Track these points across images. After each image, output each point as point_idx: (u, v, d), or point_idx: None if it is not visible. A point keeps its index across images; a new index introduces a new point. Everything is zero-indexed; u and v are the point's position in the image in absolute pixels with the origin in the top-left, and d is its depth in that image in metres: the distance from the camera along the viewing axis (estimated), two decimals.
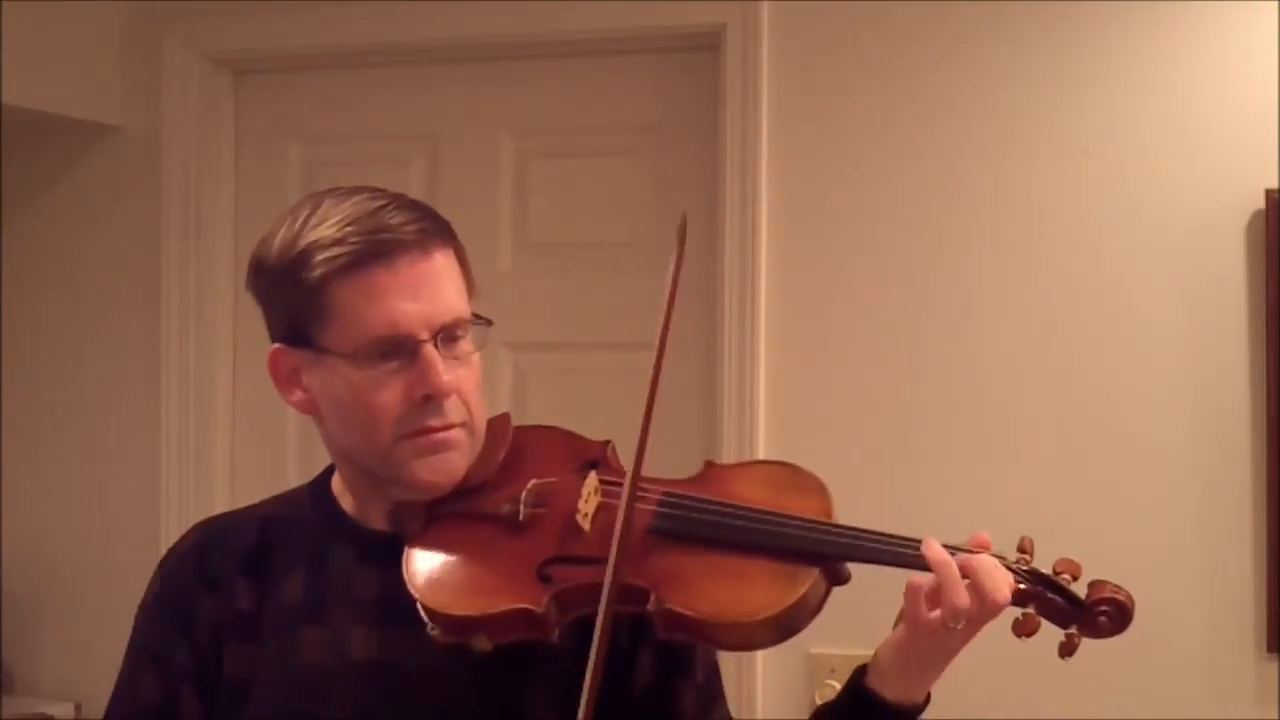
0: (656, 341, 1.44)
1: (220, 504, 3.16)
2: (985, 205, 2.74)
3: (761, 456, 2.79)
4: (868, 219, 2.79)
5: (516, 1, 2.95)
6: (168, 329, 3.16)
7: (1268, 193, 2.59)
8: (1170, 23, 2.65)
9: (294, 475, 3.16)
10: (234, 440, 3.22)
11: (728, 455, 2.80)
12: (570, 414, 3.09)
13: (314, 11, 3.08)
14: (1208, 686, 2.61)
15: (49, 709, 3.11)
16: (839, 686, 2.74)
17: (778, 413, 2.81)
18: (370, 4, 3.03)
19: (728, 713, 1.57)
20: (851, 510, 2.91)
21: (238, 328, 3.22)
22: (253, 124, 3.25)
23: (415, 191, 3.11)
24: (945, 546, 1.38)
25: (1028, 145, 2.72)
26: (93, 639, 3.16)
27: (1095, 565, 2.71)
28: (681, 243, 1.44)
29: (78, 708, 3.15)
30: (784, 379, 2.82)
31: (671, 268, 1.43)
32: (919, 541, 1.38)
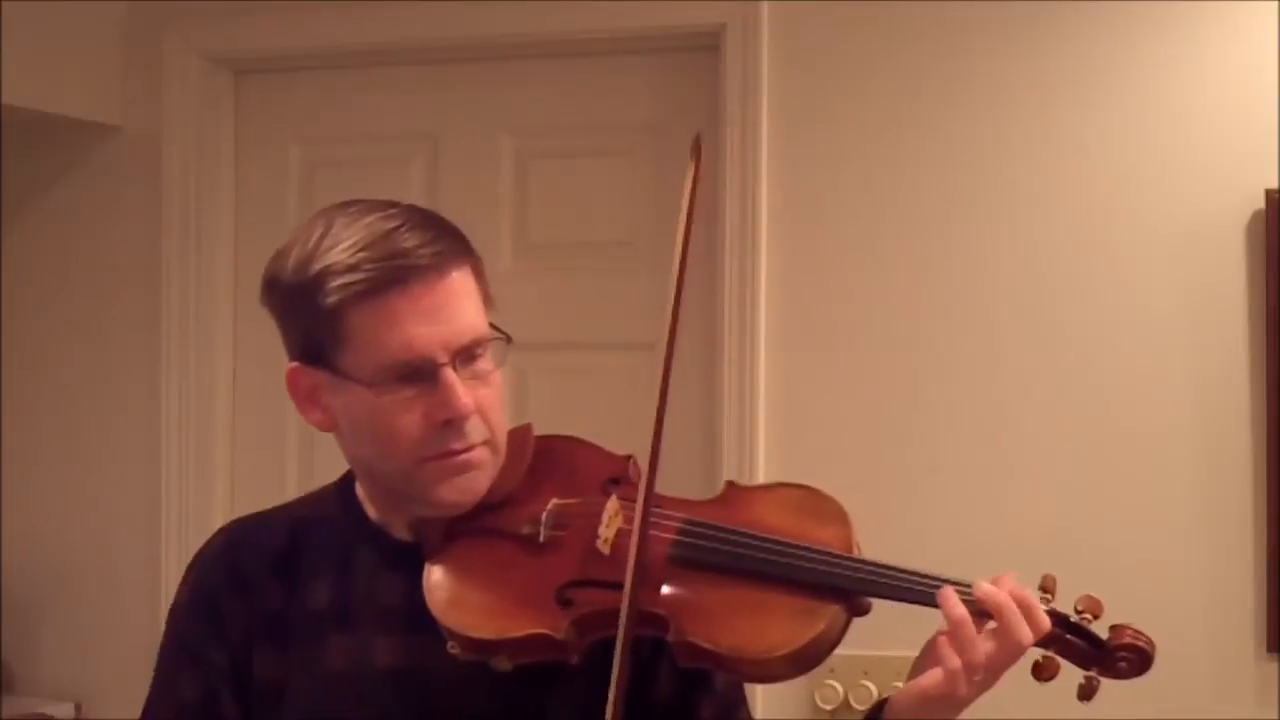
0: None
1: (220, 504, 3.16)
2: (985, 205, 2.74)
3: (762, 457, 2.80)
4: (868, 218, 2.79)
5: (516, 1, 2.95)
6: (168, 329, 3.16)
7: (1268, 193, 2.59)
8: (1170, 23, 2.66)
9: (294, 475, 3.16)
10: (234, 440, 3.22)
11: (728, 455, 2.80)
12: (570, 414, 3.09)
13: (314, 11, 3.08)
14: (1208, 686, 2.61)
15: (49, 709, 3.11)
16: (839, 686, 2.75)
17: (778, 413, 2.81)
18: (370, 4, 3.03)
19: (750, 717, 1.57)
20: (852, 509, 2.91)
21: (238, 328, 3.22)
22: (253, 124, 3.25)
23: (415, 192, 3.13)
24: (965, 589, 1.37)
25: (1028, 145, 2.72)
26: (93, 639, 3.16)
27: (1095, 565, 2.72)
28: (697, 161, 1.45)
29: (78, 708, 3.15)
30: (784, 379, 2.82)
31: (688, 187, 1.42)
32: (943, 582, 1.38)
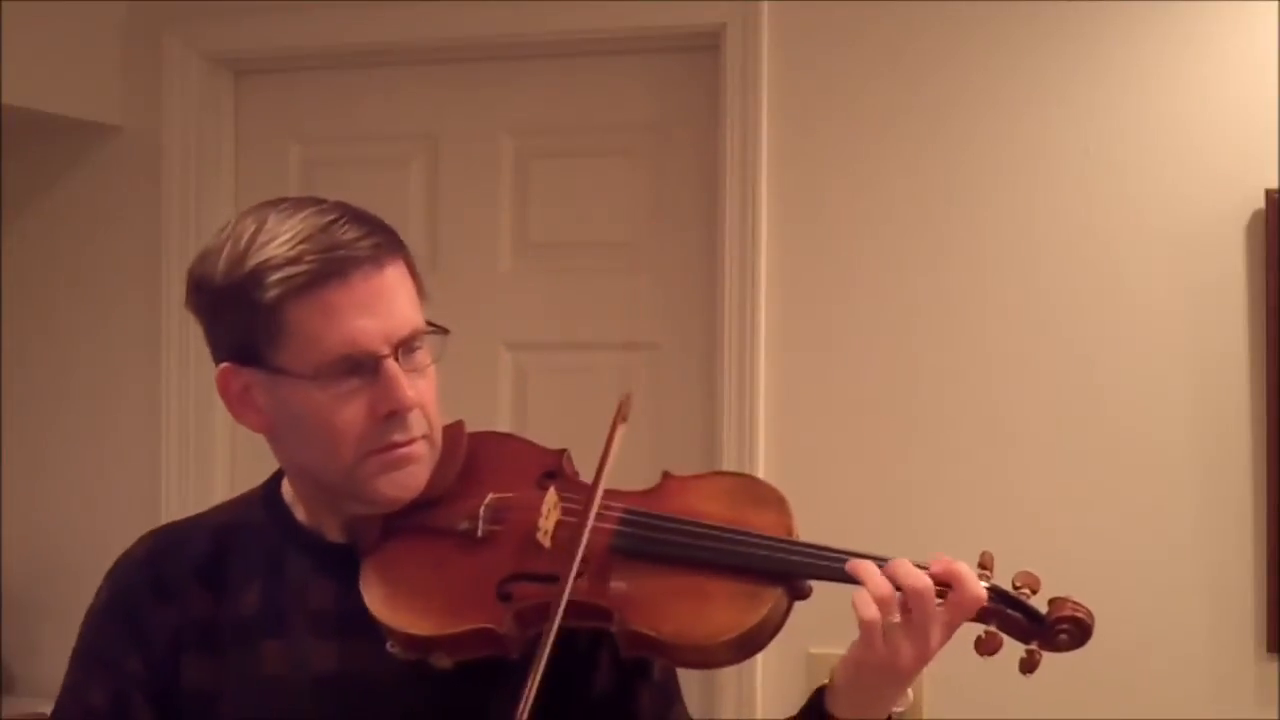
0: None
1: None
2: (985, 205, 2.74)
3: (762, 457, 2.80)
4: (868, 218, 2.79)
5: (516, 1, 2.95)
6: (168, 329, 3.16)
7: (1268, 193, 2.59)
8: (1170, 23, 2.65)
9: None
10: (234, 440, 3.21)
11: (728, 455, 2.80)
12: (570, 414, 3.09)
13: (314, 11, 3.08)
14: (1208, 686, 2.61)
15: (49, 709, 3.10)
16: None
17: (778, 413, 2.81)
18: (370, 4, 3.03)
19: (686, 711, 1.56)
20: (852, 509, 2.92)
21: None
22: (253, 124, 3.25)
23: (415, 191, 3.13)
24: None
25: (1028, 146, 2.72)
26: None
27: (1095, 564, 2.72)
28: (622, 417, 1.43)
29: None
30: (784, 379, 2.82)
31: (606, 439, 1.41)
32: (883, 560, 1.38)
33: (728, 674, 2.73)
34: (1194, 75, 2.64)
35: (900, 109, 2.77)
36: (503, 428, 3.28)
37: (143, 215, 3.19)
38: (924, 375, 2.76)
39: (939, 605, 1.34)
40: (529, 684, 1.27)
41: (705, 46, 2.91)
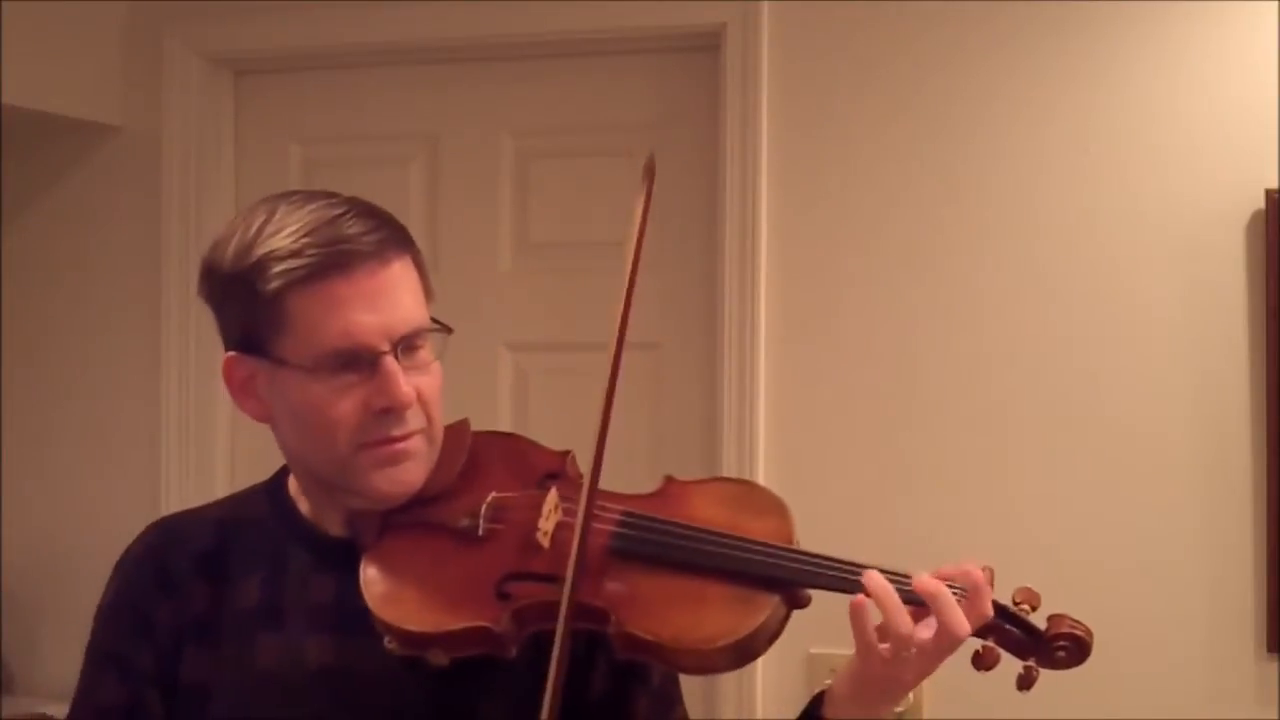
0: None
1: None
2: (985, 205, 2.74)
3: (762, 457, 2.80)
4: (868, 218, 2.79)
5: (516, 1, 2.95)
6: (167, 329, 3.16)
7: (1268, 193, 2.59)
8: (1170, 23, 2.65)
9: None
10: (234, 440, 3.22)
11: (728, 454, 2.80)
12: (570, 414, 3.10)
13: (314, 11, 3.08)
14: (1208, 686, 2.61)
15: (49, 709, 3.11)
16: None
17: (778, 412, 2.81)
18: (370, 4, 3.03)
19: (686, 715, 1.56)
20: (852, 508, 2.92)
21: None
22: (253, 124, 3.25)
23: (415, 191, 3.13)
24: (903, 579, 1.37)
25: (1028, 145, 2.72)
26: None
27: (1095, 564, 2.72)
28: (650, 182, 1.45)
29: None
30: (784, 377, 2.82)
31: (639, 209, 1.42)
32: (905, 576, 1.37)
33: (728, 675, 2.73)
34: (1194, 75, 2.64)
35: (900, 108, 2.77)
36: (503, 428, 3.29)
37: (143, 215, 3.19)
38: (923, 375, 2.76)
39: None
40: (549, 691, 1.27)
41: (705, 46, 2.91)
